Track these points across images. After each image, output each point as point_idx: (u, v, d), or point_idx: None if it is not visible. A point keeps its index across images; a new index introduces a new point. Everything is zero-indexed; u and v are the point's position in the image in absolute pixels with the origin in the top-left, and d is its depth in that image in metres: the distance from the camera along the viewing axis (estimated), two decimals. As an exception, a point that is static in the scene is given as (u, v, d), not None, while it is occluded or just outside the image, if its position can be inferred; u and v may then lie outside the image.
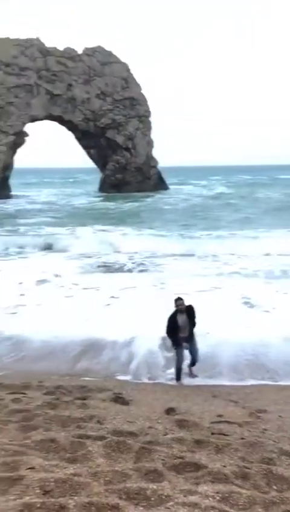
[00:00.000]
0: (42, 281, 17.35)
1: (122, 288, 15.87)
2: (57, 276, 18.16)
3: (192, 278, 17.39)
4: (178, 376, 9.73)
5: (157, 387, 9.29)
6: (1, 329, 11.79)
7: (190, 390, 9.24)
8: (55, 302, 14.44)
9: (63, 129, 65.11)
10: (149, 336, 11.05)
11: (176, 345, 9.71)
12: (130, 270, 20.29)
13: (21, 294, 15.31)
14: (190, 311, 9.72)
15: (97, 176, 71.62)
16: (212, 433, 5.64)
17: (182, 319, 9.65)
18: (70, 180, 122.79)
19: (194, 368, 9.96)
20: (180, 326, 9.65)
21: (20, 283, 16.73)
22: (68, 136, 66.40)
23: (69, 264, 21.21)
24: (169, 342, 10.05)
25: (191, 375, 9.94)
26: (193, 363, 9.91)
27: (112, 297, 14.82)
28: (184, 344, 9.71)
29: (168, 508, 3.49)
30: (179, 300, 9.81)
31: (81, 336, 11.37)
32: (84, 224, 34.22)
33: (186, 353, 9.88)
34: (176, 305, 9.73)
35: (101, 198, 60.02)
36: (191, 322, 9.73)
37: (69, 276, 18.28)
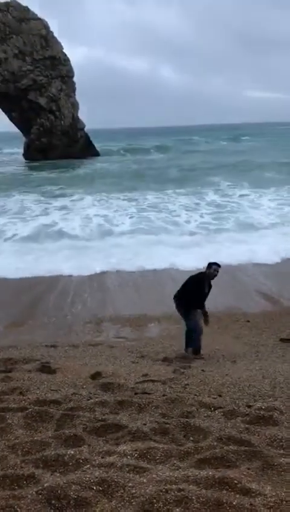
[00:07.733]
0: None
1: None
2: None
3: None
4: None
5: (87, 353, 9.32)
6: None
7: (120, 353, 9.38)
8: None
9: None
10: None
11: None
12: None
13: None
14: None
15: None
16: (136, 393, 5.76)
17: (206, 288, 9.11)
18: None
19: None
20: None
21: None
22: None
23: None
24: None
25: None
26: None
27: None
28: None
29: (84, 471, 3.54)
30: (216, 266, 9.07)
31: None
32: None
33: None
34: (212, 272, 9.01)
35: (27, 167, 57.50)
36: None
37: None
